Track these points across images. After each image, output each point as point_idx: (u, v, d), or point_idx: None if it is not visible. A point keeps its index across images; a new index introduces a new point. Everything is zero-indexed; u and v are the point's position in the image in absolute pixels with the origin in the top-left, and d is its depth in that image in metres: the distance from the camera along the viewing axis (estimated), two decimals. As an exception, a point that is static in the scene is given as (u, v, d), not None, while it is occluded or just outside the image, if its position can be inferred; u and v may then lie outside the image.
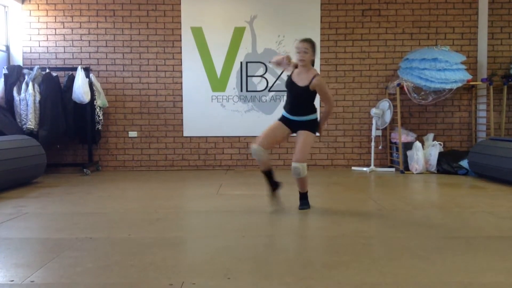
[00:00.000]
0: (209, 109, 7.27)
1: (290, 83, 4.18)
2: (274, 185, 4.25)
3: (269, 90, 7.36)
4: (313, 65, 4.24)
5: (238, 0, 7.30)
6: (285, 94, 7.22)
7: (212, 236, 3.38)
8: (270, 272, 2.60)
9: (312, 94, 4.15)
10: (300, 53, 4.06)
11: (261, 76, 7.34)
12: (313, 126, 4.21)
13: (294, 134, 4.24)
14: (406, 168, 6.87)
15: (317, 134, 4.37)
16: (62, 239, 3.26)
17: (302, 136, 4.12)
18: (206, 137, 7.35)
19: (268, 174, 4.22)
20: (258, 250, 3.03)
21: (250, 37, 7.31)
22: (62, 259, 2.81)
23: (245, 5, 7.29)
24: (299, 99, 4.16)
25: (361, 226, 3.66)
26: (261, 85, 7.35)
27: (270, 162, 4.24)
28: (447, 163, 6.66)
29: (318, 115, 4.30)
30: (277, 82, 7.33)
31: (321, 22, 7.32)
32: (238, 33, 7.28)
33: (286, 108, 4.27)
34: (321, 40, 7.31)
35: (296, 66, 4.19)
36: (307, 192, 4.30)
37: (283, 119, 4.25)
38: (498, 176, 5.73)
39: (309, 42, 4.12)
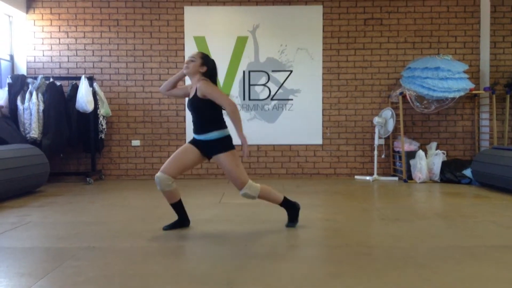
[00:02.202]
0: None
1: (188, 99, 3.80)
2: (184, 219, 3.89)
3: (272, 99, 7.38)
4: (209, 78, 3.73)
5: (240, 9, 7.35)
6: (287, 102, 7.34)
7: (214, 245, 3.37)
8: (272, 281, 2.59)
9: (207, 105, 3.62)
10: (186, 63, 3.74)
11: (264, 85, 7.36)
12: (224, 145, 3.65)
13: (207, 160, 3.86)
14: (409, 177, 6.86)
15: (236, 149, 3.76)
16: (64, 248, 3.26)
17: (221, 161, 3.66)
18: (209, 146, 7.35)
19: (179, 206, 3.86)
20: (260, 259, 3.02)
21: (253, 46, 7.35)
22: (64, 269, 2.81)
23: (248, 14, 7.33)
24: (196, 113, 3.69)
25: (363, 236, 3.65)
26: (264, 93, 7.37)
27: (177, 192, 3.80)
28: (451, 172, 6.64)
29: (228, 131, 3.72)
30: (280, 91, 7.36)
31: (323, 31, 7.35)
32: (241, 43, 7.32)
33: (193, 128, 3.80)
34: (323, 49, 7.34)
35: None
36: (284, 199, 3.88)
37: (193, 141, 3.77)
38: (502, 185, 5.72)
39: (199, 52, 3.82)
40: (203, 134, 3.68)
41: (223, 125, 3.71)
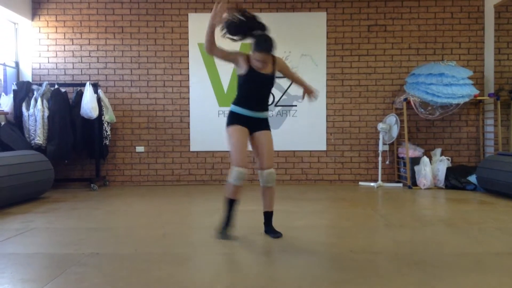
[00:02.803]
0: (216, 124, 7.28)
1: (256, 75, 3.64)
2: (232, 219, 3.79)
3: (276, 105, 7.38)
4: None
5: (244, 16, 7.36)
6: (291, 108, 7.34)
7: (218, 252, 3.37)
8: (276, 288, 2.58)
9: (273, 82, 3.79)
10: (263, 64, 3.64)
11: (268, 91, 7.36)
12: (268, 123, 3.83)
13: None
14: (414, 183, 6.83)
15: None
16: (68, 255, 3.26)
17: (268, 136, 3.76)
18: (213, 151, 7.37)
19: (234, 204, 3.75)
20: (264, 267, 3.01)
21: (257, 52, 7.35)
22: (68, 275, 2.81)
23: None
24: (268, 90, 3.77)
25: (368, 242, 3.63)
26: (268, 100, 7.37)
27: None
28: (455, 178, 6.62)
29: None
30: (284, 97, 7.36)
31: (327, 37, 7.37)
32: (245, 49, 7.30)
33: (246, 103, 3.67)
34: (327, 56, 7.36)
35: (247, 59, 3.69)
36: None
37: (242, 120, 3.68)
38: (507, 192, 5.68)
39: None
40: (264, 111, 3.76)
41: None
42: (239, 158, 3.60)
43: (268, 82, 3.73)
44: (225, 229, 3.74)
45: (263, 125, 3.77)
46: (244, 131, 3.68)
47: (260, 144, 3.74)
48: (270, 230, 3.84)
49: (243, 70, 3.66)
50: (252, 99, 3.70)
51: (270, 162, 3.74)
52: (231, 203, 3.73)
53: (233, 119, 3.71)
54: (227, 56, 3.74)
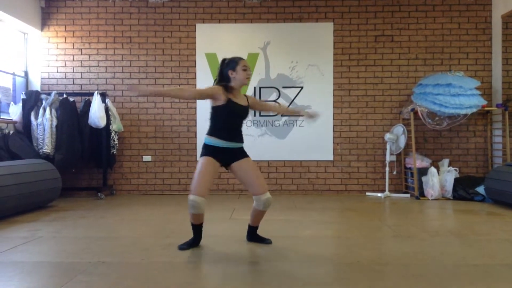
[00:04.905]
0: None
1: (234, 105, 3.69)
2: (199, 239, 3.82)
3: (282, 115, 7.39)
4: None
5: (251, 26, 7.41)
6: (298, 118, 7.34)
7: (224, 261, 3.36)
8: (283, 299, 2.57)
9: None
10: (248, 71, 3.74)
11: (274, 101, 7.38)
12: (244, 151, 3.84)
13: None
14: (421, 194, 6.79)
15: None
16: (75, 263, 3.26)
17: (250, 163, 3.75)
18: (220, 161, 7.36)
19: (201, 227, 3.80)
20: (270, 277, 2.99)
21: (264, 63, 7.40)
22: (75, 284, 2.81)
23: (259, 31, 7.40)
24: (242, 121, 3.80)
25: (375, 253, 3.61)
26: (275, 110, 7.39)
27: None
28: (463, 189, 6.57)
29: None
30: (290, 107, 7.37)
31: (334, 48, 7.38)
32: (252, 59, 7.37)
33: (223, 135, 3.67)
34: (334, 66, 7.37)
35: (227, 89, 3.70)
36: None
37: (216, 151, 3.67)
38: (516, 203, 5.63)
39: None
40: (240, 142, 3.76)
41: None
42: (197, 185, 3.56)
43: (244, 113, 3.78)
44: (189, 247, 3.74)
45: (241, 154, 3.76)
46: (214, 163, 3.65)
47: (244, 173, 3.72)
48: (258, 237, 3.93)
49: (221, 101, 3.66)
50: (229, 129, 3.71)
51: (263, 186, 3.71)
52: (195, 228, 3.77)
53: (207, 151, 3.69)
54: (204, 93, 3.70)
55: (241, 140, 3.78)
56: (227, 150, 3.69)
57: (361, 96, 7.40)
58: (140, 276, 2.99)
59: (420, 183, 6.82)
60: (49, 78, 7.46)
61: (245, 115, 3.79)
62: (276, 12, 7.41)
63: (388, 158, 7.09)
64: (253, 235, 3.97)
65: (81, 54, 7.46)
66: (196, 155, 7.37)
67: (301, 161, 7.41)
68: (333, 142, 7.40)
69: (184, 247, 3.72)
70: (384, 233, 4.39)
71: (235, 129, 3.76)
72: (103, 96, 6.92)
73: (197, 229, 3.78)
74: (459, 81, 6.60)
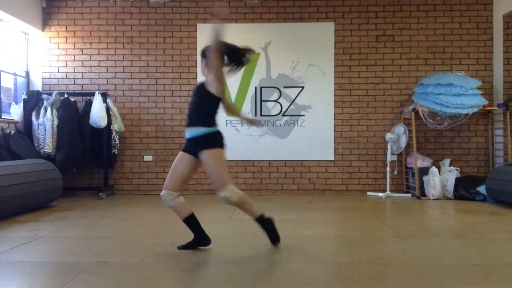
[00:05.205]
0: (224, 133, 7.28)
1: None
2: (200, 237, 3.70)
3: (283, 115, 7.39)
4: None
5: (252, 27, 7.41)
6: (299, 118, 7.34)
7: (225, 261, 3.36)
8: (284, 298, 2.57)
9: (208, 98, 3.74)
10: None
11: (275, 101, 7.38)
12: (209, 141, 3.57)
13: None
14: (423, 193, 6.79)
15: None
16: (76, 263, 3.27)
17: (204, 159, 3.52)
18: (221, 161, 7.36)
19: (190, 221, 3.67)
20: (271, 277, 2.99)
21: (265, 62, 7.40)
22: (76, 283, 2.82)
23: (260, 31, 7.40)
24: (193, 104, 3.73)
25: (376, 253, 3.60)
26: (275, 109, 7.39)
27: (185, 206, 3.66)
28: (464, 189, 6.56)
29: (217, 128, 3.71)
30: (291, 106, 7.37)
31: (335, 47, 7.38)
32: (253, 59, 7.35)
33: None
34: (335, 66, 7.37)
35: None
36: (262, 216, 3.71)
37: (185, 146, 3.66)
38: (517, 203, 5.63)
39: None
40: (192, 127, 3.64)
41: (211, 121, 3.71)
42: (167, 179, 3.63)
43: None
44: (189, 247, 3.70)
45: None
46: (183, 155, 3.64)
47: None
48: (269, 238, 3.81)
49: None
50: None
51: (217, 184, 3.55)
52: (187, 224, 3.72)
53: (223, 140, 3.72)
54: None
55: (192, 124, 3.70)
56: (187, 141, 3.68)
57: (362, 96, 7.40)
58: (141, 275, 2.99)
59: (421, 183, 6.82)
60: (50, 78, 7.47)
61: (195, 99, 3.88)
62: (277, 12, 7.41)
63: (389, 157, 7.09)
64: (261, 225, 3.76)
65: (82, 54, 7.47)
66: (197, 155, 7.35)
67: (302, 161, 7.41)
68: (334, 142, 7.40)
69: (182, 247, 3.72)
70: (385, 233, 4.38)
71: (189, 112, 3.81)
72: (104, 96, 6.93)
73: (188, 224, 3.71)
74: (460, 80, 6.59)
